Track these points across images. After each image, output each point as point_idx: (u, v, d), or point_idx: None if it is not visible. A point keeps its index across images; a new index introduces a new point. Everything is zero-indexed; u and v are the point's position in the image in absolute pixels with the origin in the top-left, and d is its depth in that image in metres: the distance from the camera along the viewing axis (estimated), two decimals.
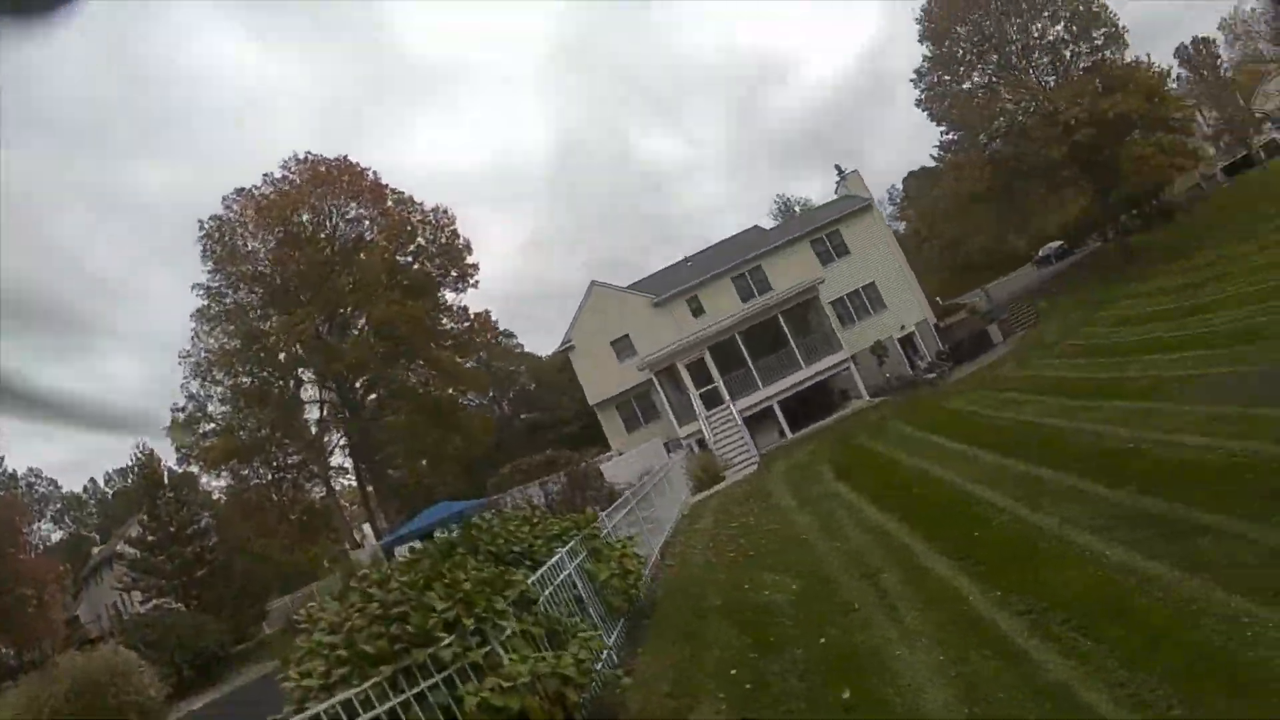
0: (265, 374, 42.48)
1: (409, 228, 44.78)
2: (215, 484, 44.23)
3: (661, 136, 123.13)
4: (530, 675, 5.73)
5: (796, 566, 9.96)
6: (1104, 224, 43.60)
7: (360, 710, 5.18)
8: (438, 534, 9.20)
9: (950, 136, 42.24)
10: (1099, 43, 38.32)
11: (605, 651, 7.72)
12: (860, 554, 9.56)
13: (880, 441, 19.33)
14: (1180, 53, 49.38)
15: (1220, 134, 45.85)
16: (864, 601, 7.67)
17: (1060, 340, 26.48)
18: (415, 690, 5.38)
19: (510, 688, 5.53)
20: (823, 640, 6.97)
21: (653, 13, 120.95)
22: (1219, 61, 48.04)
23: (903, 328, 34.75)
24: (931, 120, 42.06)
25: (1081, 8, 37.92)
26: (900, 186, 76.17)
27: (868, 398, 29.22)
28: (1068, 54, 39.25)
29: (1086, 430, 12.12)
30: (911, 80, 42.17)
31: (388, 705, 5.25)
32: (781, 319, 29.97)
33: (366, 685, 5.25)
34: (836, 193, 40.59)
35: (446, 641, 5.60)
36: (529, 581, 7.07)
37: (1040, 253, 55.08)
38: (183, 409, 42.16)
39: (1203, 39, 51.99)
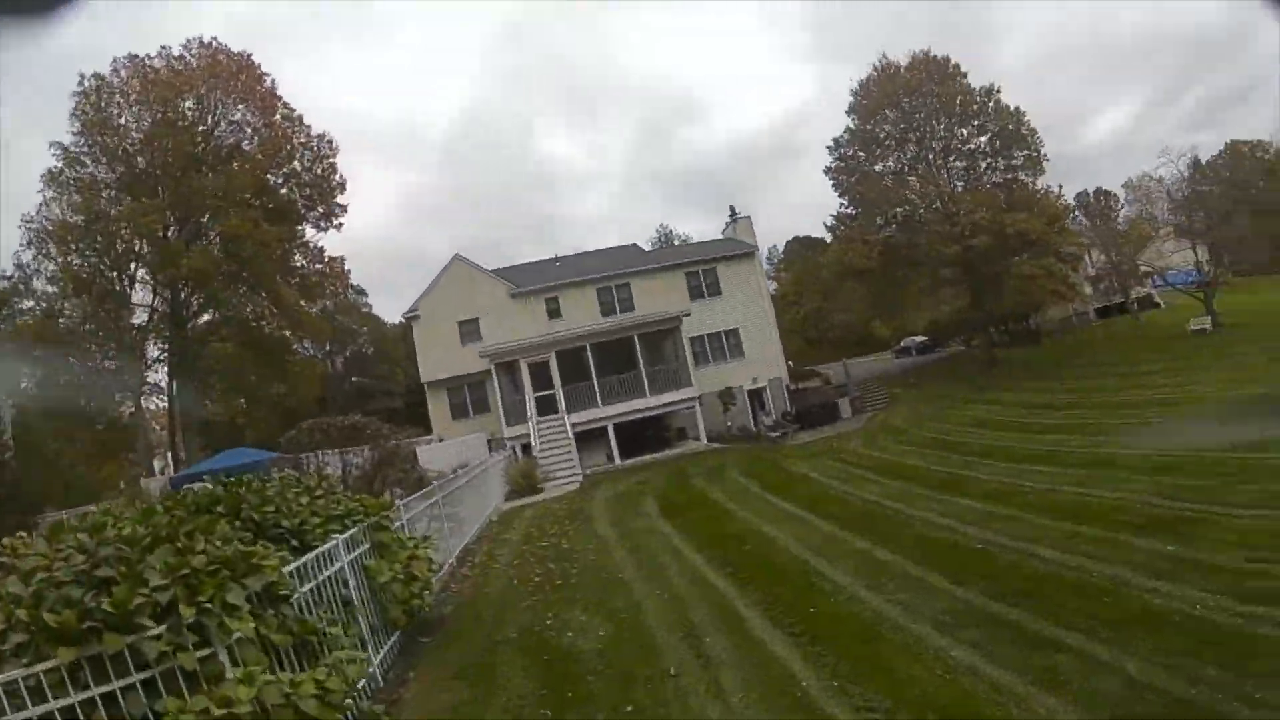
0: (99, 261, 38.90)
1: (289, 148, 42.11)
2: (21, 370, 39.89)
3: (565, 137, 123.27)
4: (254, 702, 4.44)
5: (609, 608, 9.14)
6: (973, 330, 45.69)
7: (29, 700, 3.93)
8: (202, 484, 7.92)
9: (849, 210, 43.18)
10: (1017, 163, 40.30)
11: (364, 680, 6.42)
12: (682, 607, 8.82)
13: (714, 488, 18.97)
14: (1081, 198, 53.05)
15: (1102, 277, 49.21)
16: (683, 666, 6.85)
17: (910, 428, 27.07)
18: (104, 689, 4.13)
19: (224, 716, 4.27)
20: (630, 708, 6.14)
21: (598, 16, 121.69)
22: (1115, 214, 51.58)
23: (755, 381, 34.90)
24: (835, 190, 43.29)
25: (1011, 127, 39.74)
26: (780, 248, 78.49)
27: (705, 441, 29.04)
28: (983, 165, 41.11)
29: (933, 521, 11.92)
30: (828, 147, 43.35)
31: (64, 702, 4.01)
32: (637, 342, 29.63)
33: (39, 668, 3.97)
34: (724, 233, 40.92)
35: (154, 631, 4.33)
36: (285, 570, 5.76)
37: (903, 343, 57.29)
38: (9, 277, 38.51)
39: (1104, 191, 56.34)
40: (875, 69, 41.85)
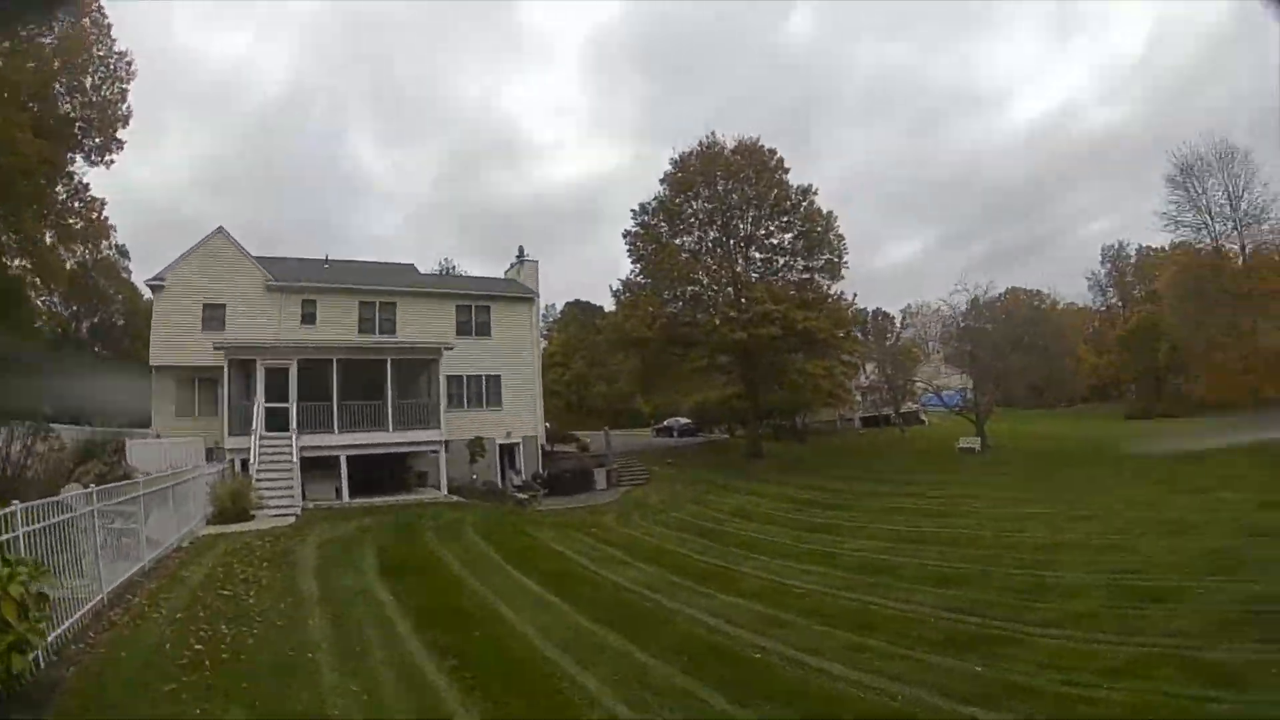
0: None
1: (86, 57, 36.35)
2: None
3: (378, 147, 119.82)
4: None
5: (282, 711, 6.86)
6: (740, 419, 46.67)
7: None
8: None
9: (640, 279, 42.97)
10: (816, 265, 41.62)
11: None
12: (383, 716, 6.85)
13: (448, 549, 17.01)
14: (861, 314, 56.32)
15: (875, 389, 52.94)
16: None
17: (668, 510, 26.57)
18: None
19: None
20: None
21: (437, 36, 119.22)
22: (895, 335, 56.28)
23: (509, 435, 33.40)
24: (630, 255, 43.14)
25: (819, 230, 41.09)
26: (558, 308, 78.25)
27: (446, 492, 27.04)
28: (782, 261, 42.14)
29: (699, 619, 11.01)
30: (633, 211, 43.26)
31: None
32: (390, 369, 27.52)
33: None
34: (506, 273, 39.63)
35: None
36: None
37: (666, 422, 57.72)
38: None
39: (883, 312, 62.26)
40: (701, 144, 42.26)
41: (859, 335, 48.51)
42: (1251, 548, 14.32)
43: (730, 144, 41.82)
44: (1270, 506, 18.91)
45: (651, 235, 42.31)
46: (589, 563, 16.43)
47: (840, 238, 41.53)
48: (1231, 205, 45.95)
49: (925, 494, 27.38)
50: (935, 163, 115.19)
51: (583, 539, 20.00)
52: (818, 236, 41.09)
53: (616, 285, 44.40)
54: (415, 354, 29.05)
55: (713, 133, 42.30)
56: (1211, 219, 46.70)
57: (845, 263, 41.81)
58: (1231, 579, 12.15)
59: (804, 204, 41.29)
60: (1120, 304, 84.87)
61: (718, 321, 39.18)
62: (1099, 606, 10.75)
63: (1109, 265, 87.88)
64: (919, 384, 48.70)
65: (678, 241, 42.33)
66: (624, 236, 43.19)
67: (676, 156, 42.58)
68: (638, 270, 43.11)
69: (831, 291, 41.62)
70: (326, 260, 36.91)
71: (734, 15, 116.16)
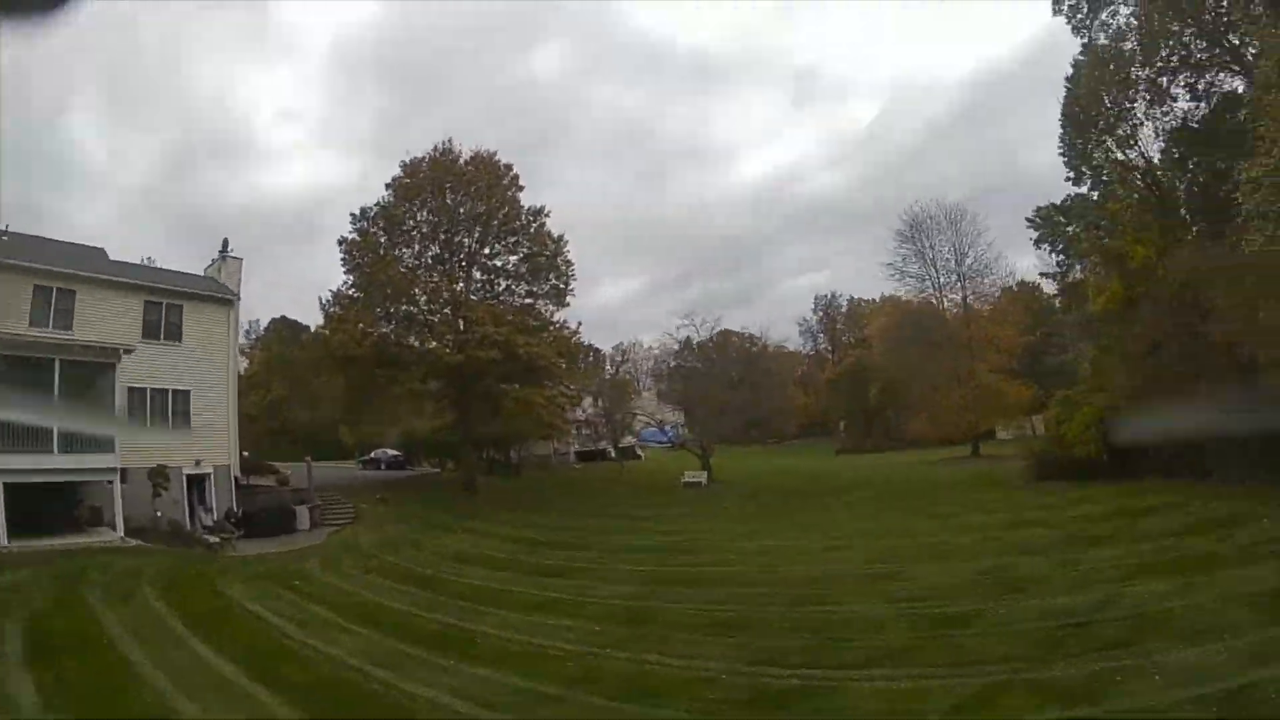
0: None
1: None
2: None
3: (101, 126, 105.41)
4: None
5: None
6: (452, 451, 46.64)
7: None
8: None
9: (353, 292, 41.23)
10: (542, 291, 42.14)
11: None
12: None
13: (118, 617, 14.33)
14: (582, 346, 58.12)
15: (593, 423, 55.51)
16: None
17: (381, 554, 24.96)
18: None
19: None
20: None
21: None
22: (614, 371, 59.14)
23: (199, 464, 30.14)
24: (344, 265, 41.45)
25: (545, 256, 41.52)
26: (262, 324, 74.37)
27: (123, 533, 23.83)
28: (504, 284, 42.35)
29: (445, 704, 9.66)
30: (352, 215, 41.79)
31: None
32: (59, 374, 23.89)
33: None
34: (206, 271, 35.88)
35: None
36: None
37: (373, 454, 56.02)
38: None
39: (594, 347, 64.51)
40: (436, 149, 41.57)
41: (581, 366, 49.60)
42: (1021, 565, 15.38)
43: (466, 154, 41.49)
44: (1017, 526, 20.86)
45: (370, 244, 40.85)
46: (296, 629, 14.38)
47: (569, 263, 42.22)
48: (957, 260, 52.67)
49: (663, 530, 27.75)
50: (660, 208, 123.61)
51: (286, 595, 17.95)
52: (545, 261, 41.53)
53: (328, 297, 42.16)
54: (89, 355, 25.27)
55: (449, 139, 41.77)
56: (936, 271, 53.27)
57: (572, 290, 42.59)
58: (1023, 597, 12.87)
59: (535, 225, 41.63)
60: (830, 349, 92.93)
61: (434, 343, 38.73)
62: (908, 639, 10.70)
63: (821, 313, 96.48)
64: (641, 417, 51.01)
65: (398, 254, 41.31)
66: (339, 244, 41.45)
67: (408, 160, 41.66)
68: (351, 282, 41.38)
69: (555, 319, 42.35)
70: (5, 231, 30.43)
71: (480, 40, 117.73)
